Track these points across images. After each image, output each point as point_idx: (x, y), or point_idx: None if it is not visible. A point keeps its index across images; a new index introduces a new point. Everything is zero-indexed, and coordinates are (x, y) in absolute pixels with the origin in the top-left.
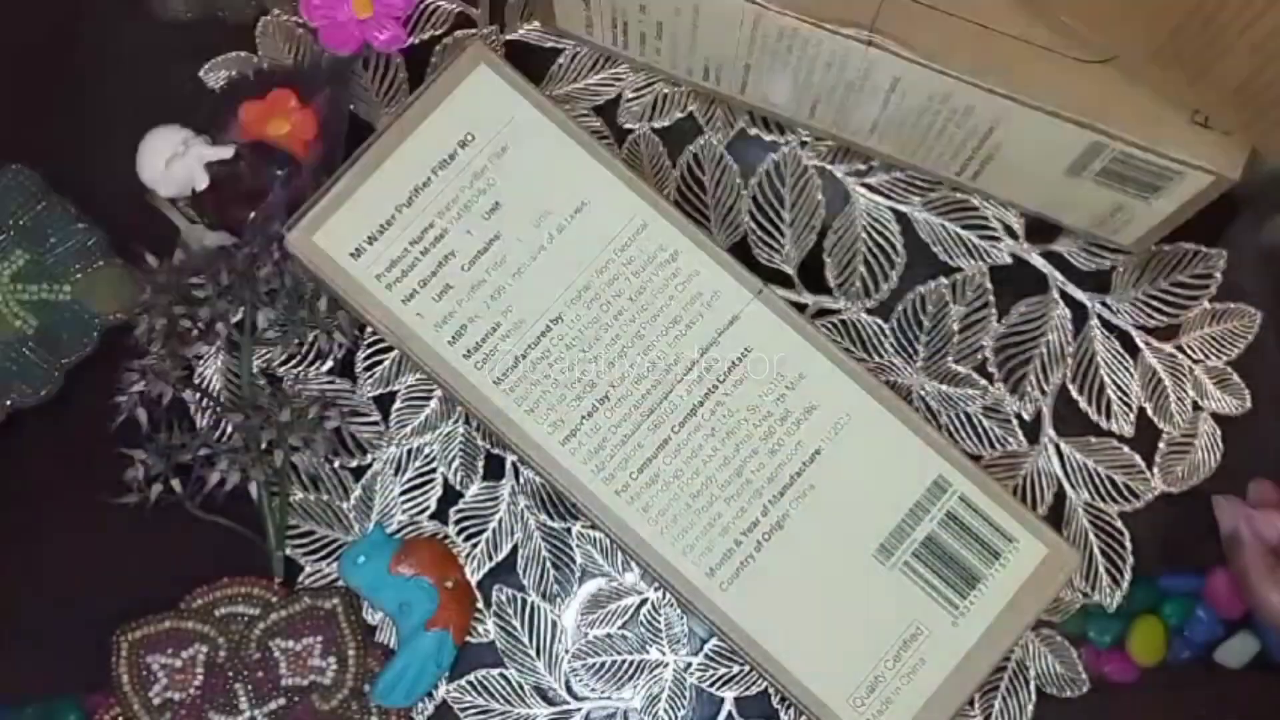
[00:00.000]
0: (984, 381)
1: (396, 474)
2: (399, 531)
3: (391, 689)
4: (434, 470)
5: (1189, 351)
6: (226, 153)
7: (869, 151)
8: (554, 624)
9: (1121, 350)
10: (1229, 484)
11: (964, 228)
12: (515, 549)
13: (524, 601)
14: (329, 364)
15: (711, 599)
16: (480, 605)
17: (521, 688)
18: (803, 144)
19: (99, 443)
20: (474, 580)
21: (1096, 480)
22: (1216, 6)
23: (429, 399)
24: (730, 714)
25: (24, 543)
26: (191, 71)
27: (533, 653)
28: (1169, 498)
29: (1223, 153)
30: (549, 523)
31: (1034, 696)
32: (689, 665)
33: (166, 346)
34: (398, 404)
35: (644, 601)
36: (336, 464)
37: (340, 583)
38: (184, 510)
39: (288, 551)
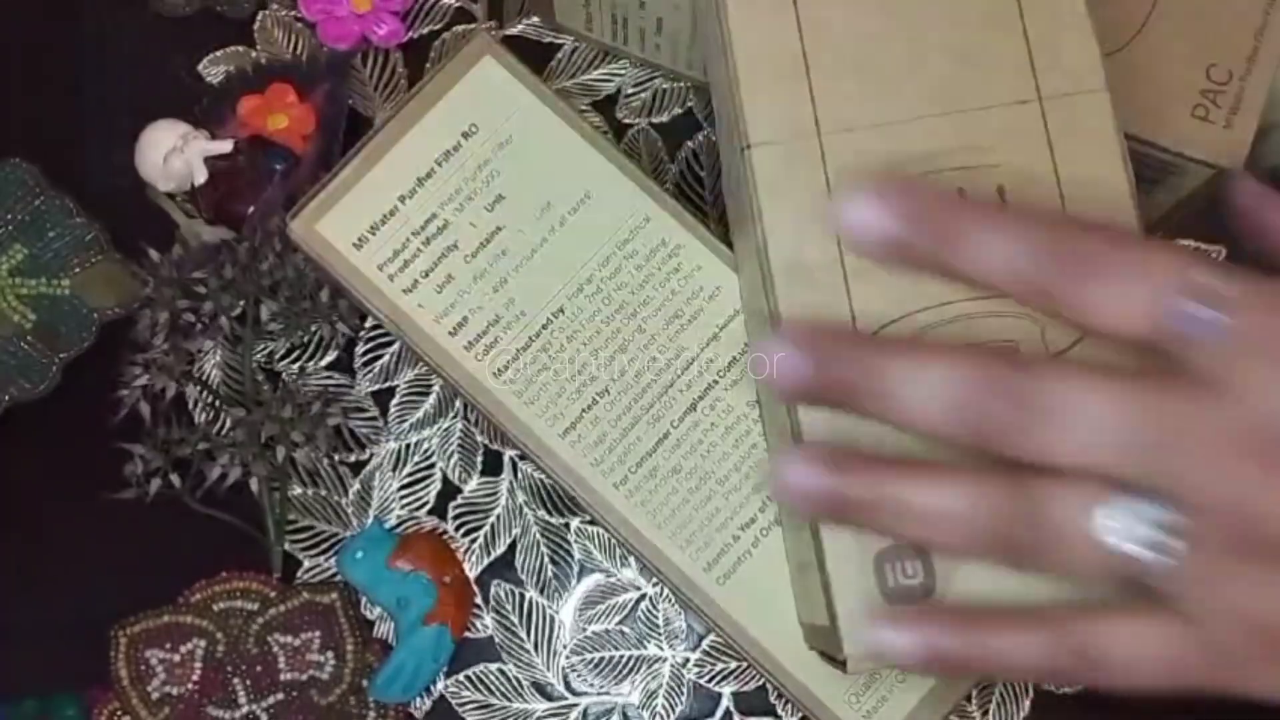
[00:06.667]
0: None
1: (395, 469)
2: (397, 526)
3: (390, 684)
4: (432, 465)
5: None
6: (225, 147)
7: None
8: (552, 619)
9: None
10: None
11: None
12: (514, 544)
13: (522, 597)
14: (330, 356)
15: (709, 594)
16: (478, 600)
17: (519, 683)
18: None
19: (97, 437)
20: (472, 575)
21: None
22: None
23: (428, 394)
24: (728, 709)
25: (22, 537)
26: (190, 66)
27: (531, 648)
28: None
29: (1224, 146)
30: (547, 518)
31: (1031, 692)
32: (687, 661)
33: (169, 341)
34: (396, 399)
35: (642, 597)
36: (336, 459)
37: (339, 578)
38: (182, 505)
39: (286, 546)
